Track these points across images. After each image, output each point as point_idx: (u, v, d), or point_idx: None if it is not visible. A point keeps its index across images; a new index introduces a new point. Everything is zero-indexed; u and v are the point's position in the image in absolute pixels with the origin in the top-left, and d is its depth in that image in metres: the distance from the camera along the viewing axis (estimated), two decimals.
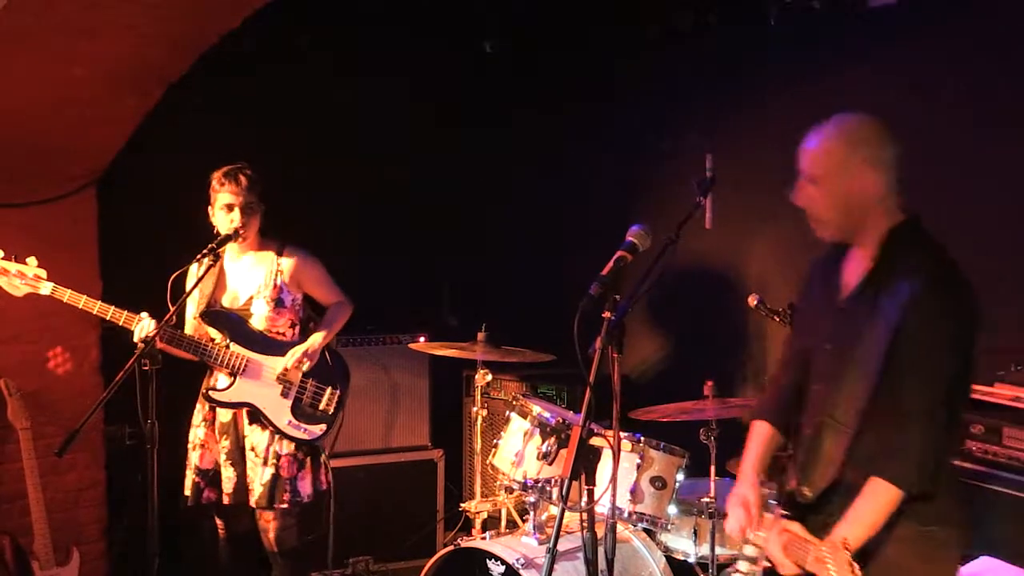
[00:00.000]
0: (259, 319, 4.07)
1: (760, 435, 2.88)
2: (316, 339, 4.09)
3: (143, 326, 3.73)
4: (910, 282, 2.48)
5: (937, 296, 2.46)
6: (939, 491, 2.49)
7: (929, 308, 2.45)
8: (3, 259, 3.76)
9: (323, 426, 4.11)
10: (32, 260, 3.79)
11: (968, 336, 2.50)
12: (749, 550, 2.75)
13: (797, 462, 2.75)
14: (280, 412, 4.03)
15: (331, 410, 4.13)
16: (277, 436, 4.02)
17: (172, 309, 3.65)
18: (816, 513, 2.61)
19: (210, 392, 4.02)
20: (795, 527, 2.58)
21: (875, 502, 2.47)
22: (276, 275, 4.09)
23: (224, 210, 4.00)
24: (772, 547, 2.58)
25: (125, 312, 3.79)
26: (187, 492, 4.09)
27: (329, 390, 4.13)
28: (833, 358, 2.65)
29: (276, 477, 4.00)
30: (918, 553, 2.55)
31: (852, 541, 2.41)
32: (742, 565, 2.75)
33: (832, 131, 2.63)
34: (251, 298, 4.08)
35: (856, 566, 2.35)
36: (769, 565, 2.66)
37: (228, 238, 3.91)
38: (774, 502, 2.74)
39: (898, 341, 2.47)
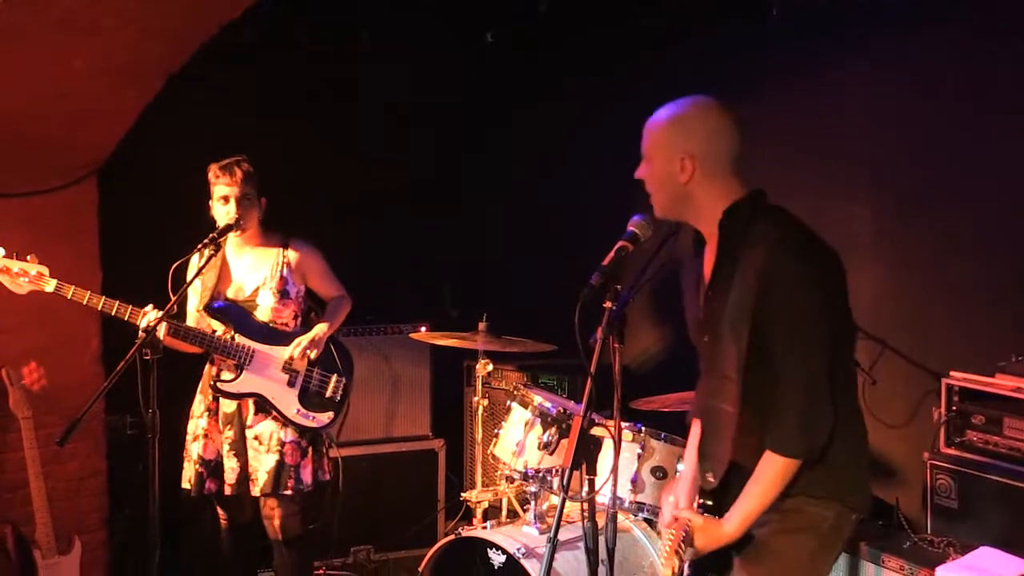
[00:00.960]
0: (264, 310, 4.08)
1: (695, 434, 2.88)
2: (321, 329, 4.11)
3: (148, 319, 3.72)
4: (756, 254, 2.48)
5: (786, 262, 2.45)
6: (823, 461, 2.48)
7: (780, 275, 2.44)
8: (4, 257, 3.75)
9: (330, 414, 4.12)
10: (33, 258, 3.78)
11: (828, 296, 2.49)
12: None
13: (701, 452, 2.78)
14: (288, 401, 4.04)
15: (337, 398, 4.15)
16: (280, 424, 4.03)
17: (173, 299, 3.65)
18: (725, 497, 2.63)
19: (217, 383, 4.02)
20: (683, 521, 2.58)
21: (764, 475, 2.48)
22: (282, 267, 4.11)
23: (221, 202, 4.02)
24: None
25: (130, 307, 3.78)
26: (187, 483, 4.10)
27: (335, 378, 4.15)
28: (710, 348, 2.67)
29: (281, 464, 4.02)
30: (781, 527, 2.54)
31: (738, 516, 2.48)
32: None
33: (666, 112, 2.66)
34: (257, 289, 4.09)
35: (680, 546, 2.44)
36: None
37: (229, 228, 3.92)
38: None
39: (758, 314, 2.46)
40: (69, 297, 3.75)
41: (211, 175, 4.03)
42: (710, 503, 2.65)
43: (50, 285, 3.75)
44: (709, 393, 2.70)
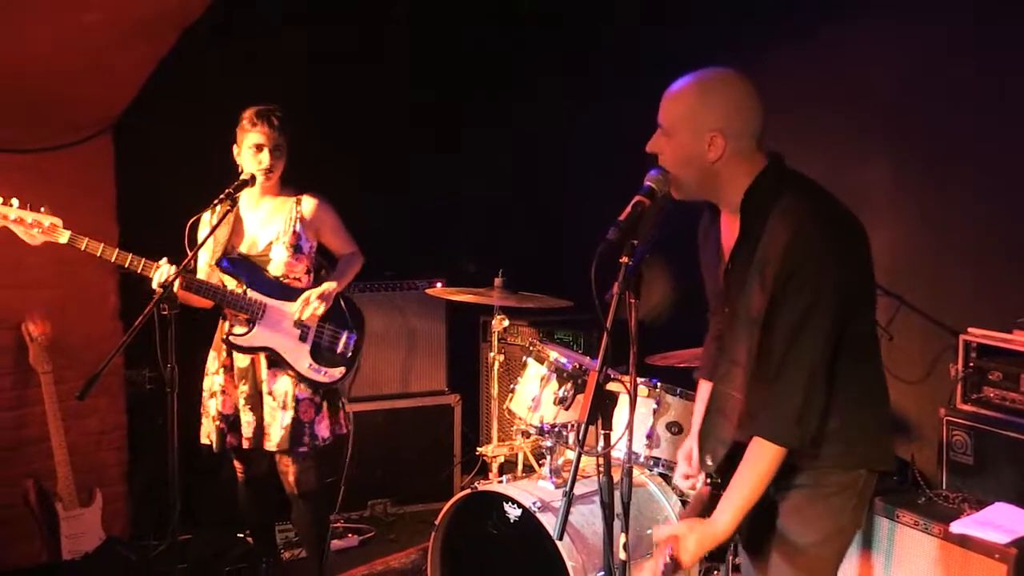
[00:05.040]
0: (277, 265, 4.07)
1: (704, 395, 2.84)
2: (330, 285, 4.10)
3: (161, 272, 3.73)
4: (779, 229, 2.37)
5: (802, 239, 2.32)
6: (827, 440, 2.41)
7: (796, 253, 2.32)
8: (19, 208, 3.75)
9: (342, 369, 4.13)
10: (46, 209, 3.77)
11: (842, 276, 2.34)
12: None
13: (703, 432, 2.73)
14: (300, 356, 4.05)
15: (348, 353, 4.16)
16: (295, 381, 4.05)
17: (191, 254, 3.66)
18: (730, 474, 2.54)
19: (230, 337, 4.03)
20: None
21: (754, 463, 2.41)
22: (295, 221, 4.08)
23: (253, 150, 3.96)
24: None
25: (143, 260, 3.77)
26: (207, 439, 4.13)
27: (346, 334, 4.15)
28: (728, 323, 2.59)
29: (296, 421, 4.04)
30: (818, 492, 2.50)
31: (730, 511, 2.40)
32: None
33: (689, 83, 2.50)
34: (270, 244, 4.07)
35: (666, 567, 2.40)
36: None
37: (245, 183, 3.89)
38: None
39: (771, 294, 2.36)
40: (83, 249, 3.74)
41: (245, 122, 3.98)
42: (719, 480, 2.63)
43: (64, 236, 3.75)
44: (720, 377, 2.65)
